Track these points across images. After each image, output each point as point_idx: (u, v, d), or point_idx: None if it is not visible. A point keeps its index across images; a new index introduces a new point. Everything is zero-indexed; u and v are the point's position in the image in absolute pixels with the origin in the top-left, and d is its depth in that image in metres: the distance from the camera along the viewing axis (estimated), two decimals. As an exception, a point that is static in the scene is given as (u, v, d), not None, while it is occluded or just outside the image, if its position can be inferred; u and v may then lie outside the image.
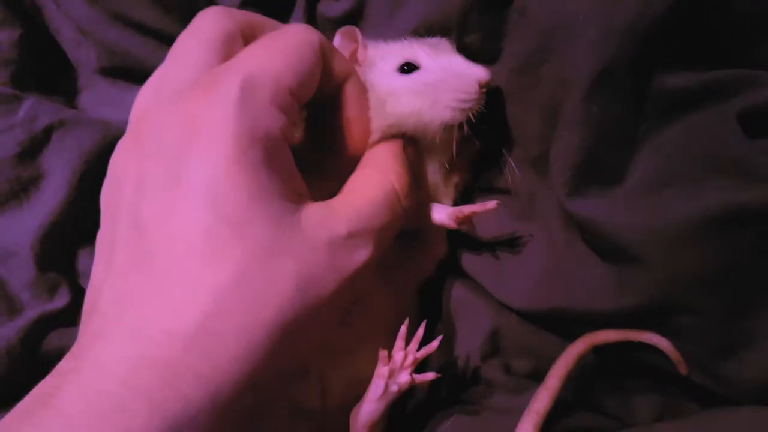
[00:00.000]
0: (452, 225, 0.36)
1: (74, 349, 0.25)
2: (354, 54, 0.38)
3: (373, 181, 0.32)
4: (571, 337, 0.36)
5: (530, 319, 0.39)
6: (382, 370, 0.33)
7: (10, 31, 0.42)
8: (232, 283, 0.24)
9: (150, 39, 0.44)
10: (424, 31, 0.40)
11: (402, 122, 0.35)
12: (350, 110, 0.34)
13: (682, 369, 0.33)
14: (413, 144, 0.37)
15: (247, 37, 0.31)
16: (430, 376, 0.34)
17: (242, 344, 0.24)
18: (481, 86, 0.35)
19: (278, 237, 0.26)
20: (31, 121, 0.39)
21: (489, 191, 0.41)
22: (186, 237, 0.25)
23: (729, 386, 0.32)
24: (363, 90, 0.35)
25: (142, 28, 0.43)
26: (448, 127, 0.36)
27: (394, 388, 0.33)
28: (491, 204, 0.35)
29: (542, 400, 0.33)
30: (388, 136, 0.35)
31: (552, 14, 0.34)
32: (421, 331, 0.35)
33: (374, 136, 0.35)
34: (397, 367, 0.33)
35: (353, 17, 0.43)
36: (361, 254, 0.29)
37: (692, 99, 0.32)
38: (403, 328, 0.34)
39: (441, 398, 0.39)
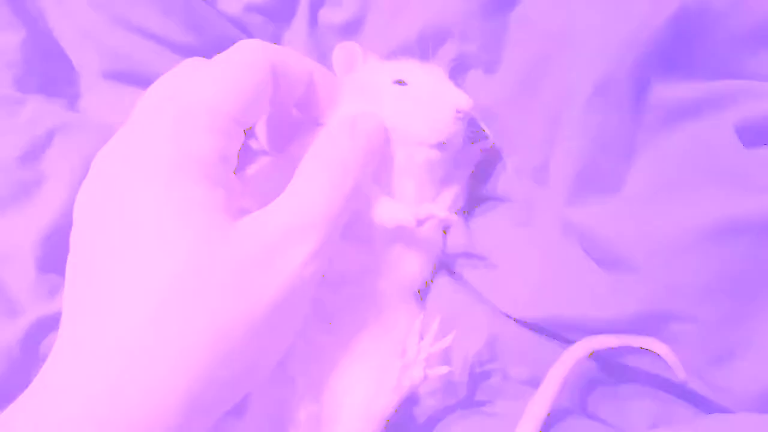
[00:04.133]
0: (411, 223, 0.35)
1: (41, 371, 0.27)
2: (352, 67, 0.39)
3: (306, 171, 0.31)
4: (568, 344, 0.37)
5: (528, 327, 0.39)
6: (395, 363, 0.34)
7: (13, 34, 0.42)
8: (167, 298, 0.25)
9: (152, 43, 0.44)
10: (424, 37, 0.40)
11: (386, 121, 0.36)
12: (322, 93, 0.36)
13: (680, 374, 0.33)
14: None
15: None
16: (443, 369, 0.34)
17: (179, 357, 0.25)
18: (458, 112, 0.36)
19: (208, 248, 0.26)
20: (34, 124, 0.39)
21: (487, 199, 0.42)
22: (123, 261, 0.26)
23: (724, 394, 0.33)
24: (329, 75, 0.37)
25: (144, 33, 0.43)
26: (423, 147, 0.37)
27: (407, 382, 0.33)
28: (454, 217, 0.36)
29: (540, 404, 0.34)
30: None
31: (553, 24, 0.35)
32: (435, 326, 0.35)
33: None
34: (411, 362, 0.34)
35: (355, 24, 0.44)
36: (303, 248, 0.28)
37: (690, 109, 0.33)
38: (417, 323, 0.35)
39: (438, 405, 0.39)
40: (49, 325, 0.37)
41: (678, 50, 0.33)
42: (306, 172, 0.31)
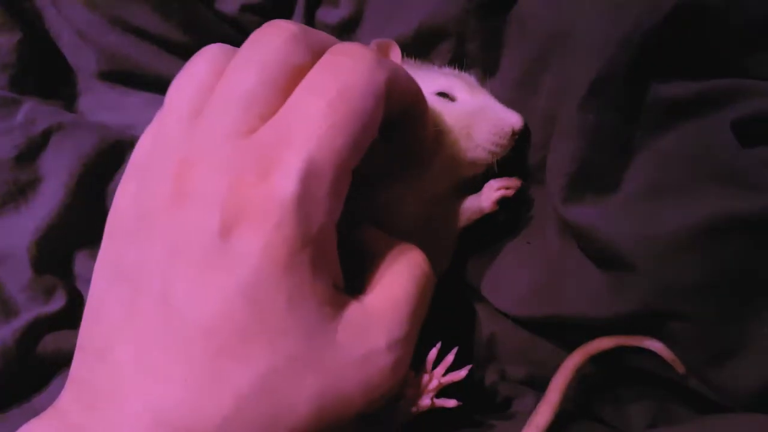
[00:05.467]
0: (493, 208, 0.37)
1: (82, 391, 0.25)
2: None
3: (405, 270, 0.29)
4: (565, 343, 0.37)
5: (525, 326, 0.39)
6: (404, 392, 0.33)
7: (10, 35, 0.42)
8: (256, 392, 0.23)
9: (149, 44, 0.44)
10: (421, 36, 0.40)
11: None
12: (419, 131, 0.31)
13: (679, 368, 0.33)
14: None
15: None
16: (451, 402, 0.33)
17: None
18: (514, 134, 0.36)
19: (310, 350, 0.24)
20: (30, 124, 0.39)
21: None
22: (218, 331, 0.23)
23: (722, 392, 0.32)
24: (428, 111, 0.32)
25: (141, 34, 0.43)
26: (474, 165, 0.37)
27: (414, 410, 0.33)
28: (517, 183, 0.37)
29: (543, 414, 0.33)
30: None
31: (550, 23, 0.35)
32: (450, 357, 0.34)
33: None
34: (420, 390, 0.33)
35: (351, 24, 0.44)
36: (399, 368, 0.27)
37: (687, 108, 0.33)
38: (434, 352, 0.34)
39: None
40: (45, 325, 0.37)
41: (674, 49, 0.33)
42: (401, 269, 0.29)
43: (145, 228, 0.25)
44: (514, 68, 0.38)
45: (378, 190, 0.35)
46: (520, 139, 0.37)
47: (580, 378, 0.36)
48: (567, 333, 0.36)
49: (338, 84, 0.25)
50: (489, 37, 0.39)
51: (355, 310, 0.26)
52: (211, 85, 0.26)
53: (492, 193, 0.37)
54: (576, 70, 0.33)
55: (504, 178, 0.37)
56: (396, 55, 0.37)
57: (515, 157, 0.38)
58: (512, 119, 0.36)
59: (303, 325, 0.24)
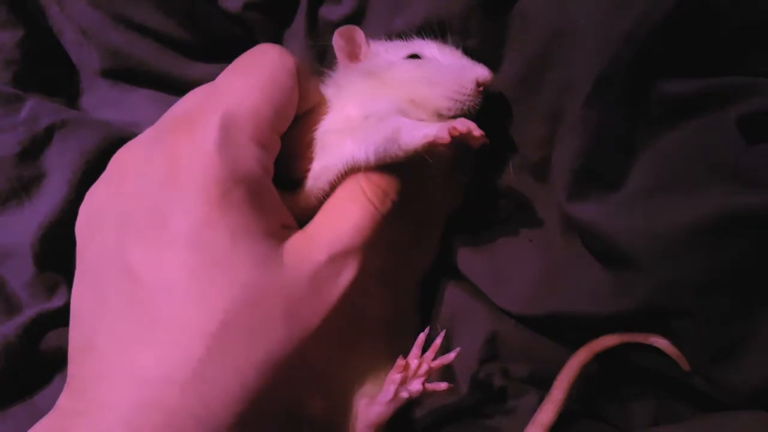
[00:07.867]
0: (446, 138, 0.30)
1: (74, 385, 0.26)
2: (355, 54, 0.39)
3: (345, 194, 0.32)
4: (568, 340, 0.37)
5: (528, 324, 0.39)
6: (394, 377, 0.33)
7: (13, 32, 0.42)
8: (223, 328, 0.25)
9: (152, 42, 0.44)
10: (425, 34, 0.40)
11: (400, 89, 0.35)
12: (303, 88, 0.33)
13: (684, 365, 0.33)
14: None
15: None
16: (442, 386, 0.33)
17: (235, 387, 0.25)
18: (478, 84, 0.35)
19: (264, 277, 0.26)
20: (33, 121, 0.39)
21: (486, 196, 0.42)
22: (175, 282, 0.25)
23: (725, 390, 0.32)
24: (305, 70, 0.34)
25: (144, 31, 0.43)
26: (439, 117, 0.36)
27: (404, 394, 0.33)
28: (482, 133, 0.31)
29: (547, 411, 0.33)
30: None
31: (553, 20, 0.35)
32: (438, 341, 0.34)
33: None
34: (410, 375, 0.33)
35: (354, 20, 0.43)
36: (346, 275, 0.29)
37: (691, 105, 0.33)
38: (422, 337, 0.34)
39: (438, 402, 0.39)
40: (47, 322, 0.37)
41: (678, 46, 0.32)
42: (343, 194, 0.32)
43: (96, 224, 0.28)
44: (517, 65, 0.38)
45: None
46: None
47: (583, 376, 0.36)
48: (569, 331, 0.36)
49: (249, 62, 0.30)
50: (492, 34, 0.39)
51: (298, 236, 0.29)
52: None
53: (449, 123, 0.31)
54: (580, 68, 0.33)
55: (471, 122, 0.31)
56: (360, 37, 0.38)
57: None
58: (478, 70, 0.36)
59: (251, 256, 0.26)
